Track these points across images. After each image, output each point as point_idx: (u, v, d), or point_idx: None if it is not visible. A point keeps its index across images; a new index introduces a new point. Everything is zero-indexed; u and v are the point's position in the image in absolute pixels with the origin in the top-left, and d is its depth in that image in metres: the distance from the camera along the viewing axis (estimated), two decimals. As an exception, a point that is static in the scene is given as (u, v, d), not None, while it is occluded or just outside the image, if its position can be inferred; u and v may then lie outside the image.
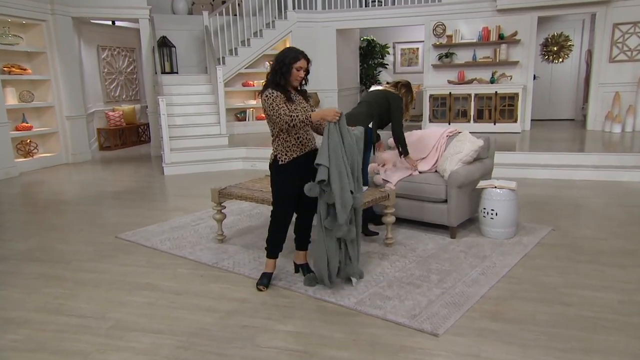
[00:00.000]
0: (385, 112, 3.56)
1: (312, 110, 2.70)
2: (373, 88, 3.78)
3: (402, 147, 3.63)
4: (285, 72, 2.59)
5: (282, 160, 2.69)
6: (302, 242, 2.94)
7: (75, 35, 7.65)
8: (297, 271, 2.98)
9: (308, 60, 2.66)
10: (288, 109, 2.57)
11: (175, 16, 8.79)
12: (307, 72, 2.68)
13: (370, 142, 3.50)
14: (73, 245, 3.69)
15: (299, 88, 2.73)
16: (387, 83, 3.81)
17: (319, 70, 8.20)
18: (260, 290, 2.78)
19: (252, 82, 8.69)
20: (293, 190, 2.72)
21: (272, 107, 2.55)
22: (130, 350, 2.22)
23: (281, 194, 2.75)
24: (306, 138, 2.72)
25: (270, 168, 2.78)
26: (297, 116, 2.54)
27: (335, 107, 2.74)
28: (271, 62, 2.75)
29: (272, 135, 2.73)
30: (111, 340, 2.30)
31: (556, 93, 9.45)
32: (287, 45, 8.39)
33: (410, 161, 3.68)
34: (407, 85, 3.70)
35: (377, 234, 3.59)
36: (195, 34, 8.47)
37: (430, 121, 8.14)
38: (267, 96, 2.58)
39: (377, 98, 3.61)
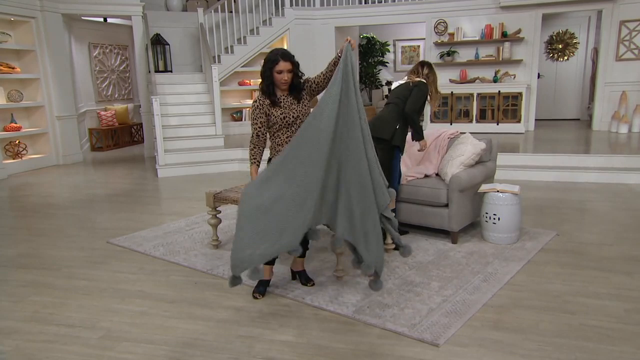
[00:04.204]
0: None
1: (304, 109, 2.66)
2: (395, 84, 3.56)
3: (414, 130, 3.40)
4: (267, 77, 2.58)
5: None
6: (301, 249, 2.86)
7: (66, 33, 7.52)
8: (294, 278, 2.92)
9: (291, 62, 2.56)
10: (261, 124, 2.64)
11: (169, 13, 8.69)
12: (293, 73, 2.59)
13: (398, 144, 3.38)
14: (63, 251, 3.61)
15: (290, 88, 2.65)
16: (409, 74, 3.54)
17: (318, 68, 8.22)
18: (256, 298, 2.72)
19: (248, 81, 8.61)
20: None
21: (253, 117, 2.66)
22: (122, 363, 2.16)
23: None
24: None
25: None
26: (250, 152, 2.70)
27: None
28: None
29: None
30: (102, 351, 2.24)
31: (561, 92, 9.42)
32: (285, 44, 8.36)
33: (422, 143, 3.45)
34: (429, 65, 3.46)
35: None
36: (190, 32, 8.38)
37: (432, 121, 8.09)
38: (252, 104, 2.68)
39: (401, 94, 3.40)
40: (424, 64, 3.50)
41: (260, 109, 2.63)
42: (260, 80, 2.69)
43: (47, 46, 6.88)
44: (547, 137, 7.09)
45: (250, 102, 8.64)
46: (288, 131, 2.65)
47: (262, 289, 2.76)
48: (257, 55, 8.26)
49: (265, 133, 2.70)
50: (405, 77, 3.54)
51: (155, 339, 2.33)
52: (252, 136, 2.68)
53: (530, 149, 6.28)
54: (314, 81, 2.66)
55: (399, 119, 3.36)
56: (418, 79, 3.43)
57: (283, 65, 2.54)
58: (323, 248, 3.42)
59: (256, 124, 2.64)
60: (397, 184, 3.48)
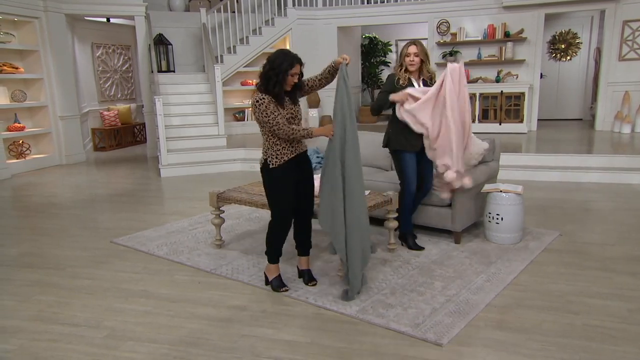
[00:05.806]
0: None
1: (297, 114, 2.70)
2: None
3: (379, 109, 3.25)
4: (282, 79, 2.56)
5: (272, 164, 2.67)
6: (304, 248, 2.89)
7: (69, 33, 7.54)
8: (300, 276, 2.94)
9: (302, 65, 2.63)
10: (284, 117, 2.60)
11: (172, 13, 8.71)
12: (300, 75, 2.65)
13: (397, 148, 3.30)
14: (67, 250, 3.62)
15: (289, 90, 2.66)
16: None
17: (320, 68, 8.24)
18: (286, 290, 2.77)
19: (251, 81, 8.59)
20: (288, 192, 2.69)
21: (267, 114, 2.55)
22: (126, 362, 2.17)
23: (277, 198, 2.71)
24: (297, 140, 2.69)
25: (261, 172, 2.74)
26: (299, 131, 2.60)
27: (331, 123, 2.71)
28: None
29: (263, 137, 2.71)
30: (106, 350, 2.25)
31: (564, 92, 9.39)
32: (287, 44, 8.36)
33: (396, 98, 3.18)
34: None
35: (422, 248, 3.38)
36: (193, 32, 8.39)
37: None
38: (259, 102, 2.56)
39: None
40: None
41: (272, 104, 2.57)
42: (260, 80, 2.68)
43: (50, 46, 6.90)
44: (550, 137, 7.08)
45: (252, 102, 8.63)
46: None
47: (281, 283, 2.81)
48: (260, 55, 8.25)
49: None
50: None
51: (159, 338, 2.33)
52: (280, 125, 2.55)
53: (533, 149, 6.27)
54: (307, 84, 2.72)
55: (391, 124, 3.31)
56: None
57: (298, 68, 2.59)
58: (326, 248, 3.43)
59: (276, 116, 2.56)
60: (412, 188, 3.28)
